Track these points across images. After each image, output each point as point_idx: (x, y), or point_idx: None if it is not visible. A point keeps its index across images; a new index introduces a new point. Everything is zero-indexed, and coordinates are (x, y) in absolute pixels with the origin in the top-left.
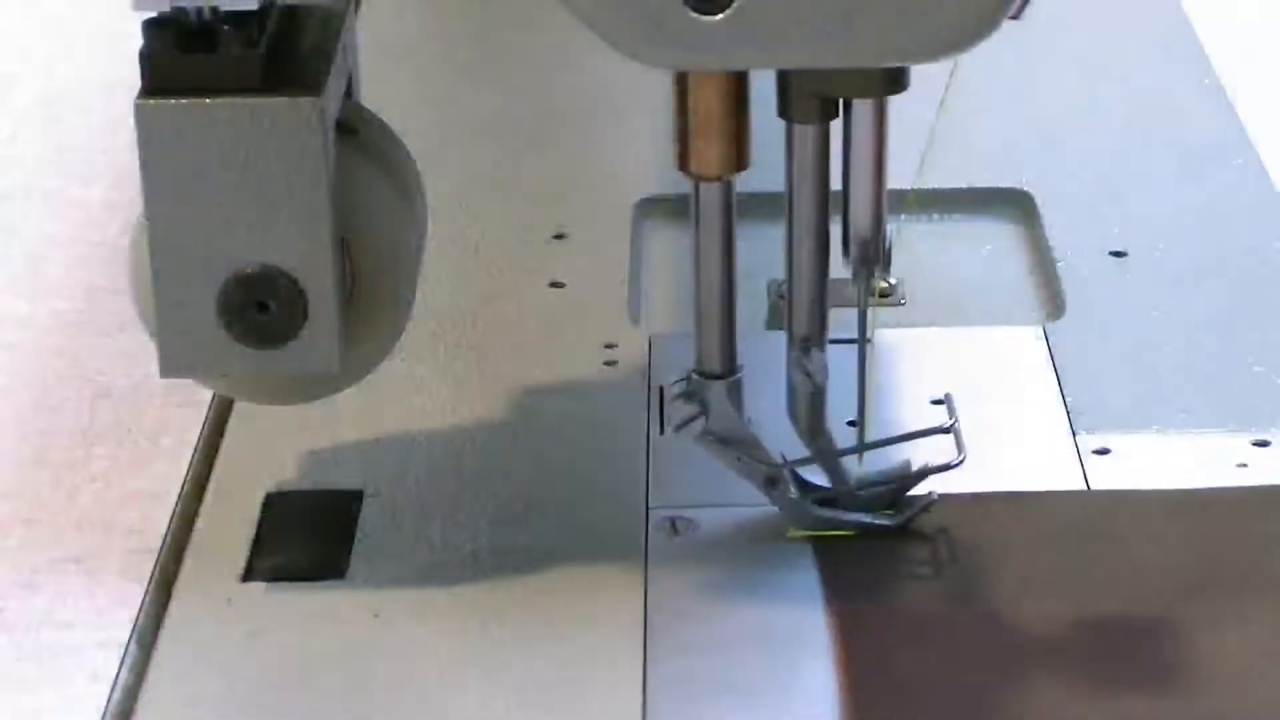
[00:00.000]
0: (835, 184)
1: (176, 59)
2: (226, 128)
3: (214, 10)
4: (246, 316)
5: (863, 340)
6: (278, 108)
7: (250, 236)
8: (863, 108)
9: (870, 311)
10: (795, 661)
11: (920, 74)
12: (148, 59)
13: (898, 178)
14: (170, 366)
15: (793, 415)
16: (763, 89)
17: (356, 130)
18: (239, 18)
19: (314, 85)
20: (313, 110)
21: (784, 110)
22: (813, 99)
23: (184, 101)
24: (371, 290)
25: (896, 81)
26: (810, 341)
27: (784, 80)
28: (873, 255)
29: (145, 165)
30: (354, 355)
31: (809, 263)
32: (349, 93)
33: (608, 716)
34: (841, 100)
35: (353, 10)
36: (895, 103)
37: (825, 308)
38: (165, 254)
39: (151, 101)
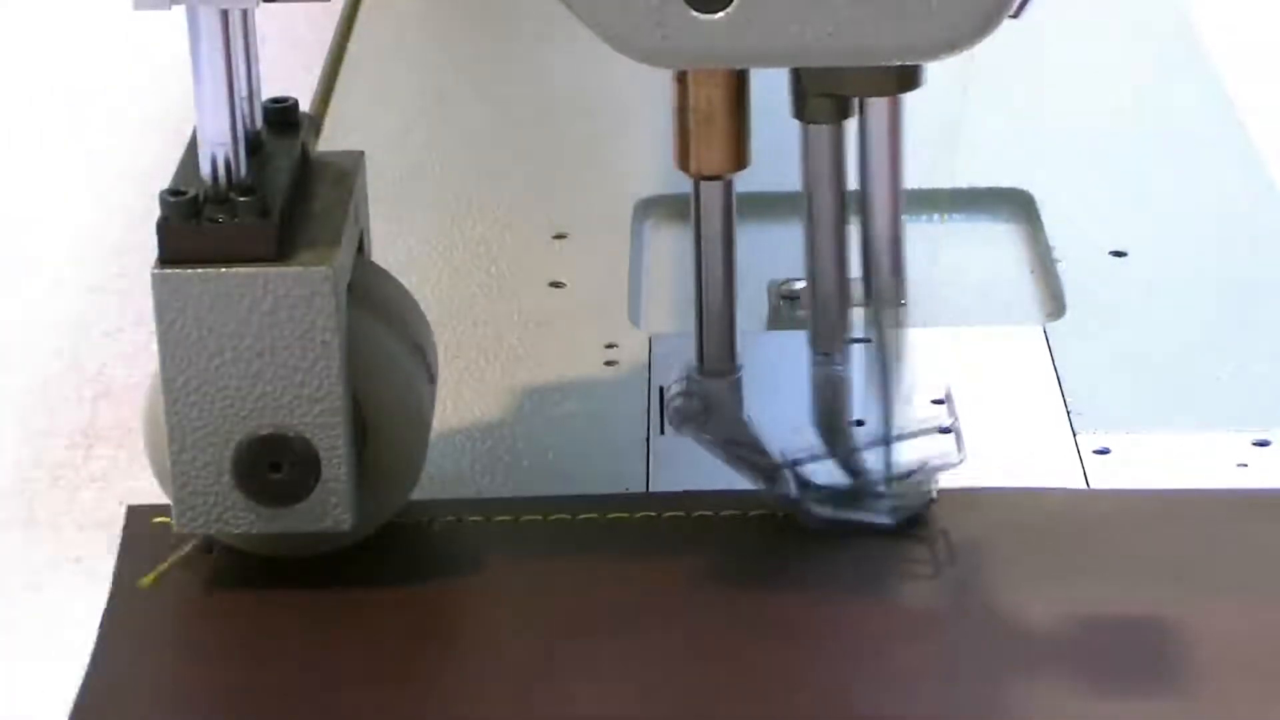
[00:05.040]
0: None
1: (192, 229)
2: (241, 296)
3: (228, 178)
4: (260, 476)
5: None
6: (291, 277)
7: (264, 400)
8: (877, 106)
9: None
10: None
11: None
12: (163, 229)
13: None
14: (186, 523)
15: (814, 419)
16: (764, 89)
17: (369, 291)
18: (252, 187)
19: (327, 254)
20: (325, 279)
21: (799, 112)
22: (826, 99)
23: (199, 271)
24: (384, 445)
25: (909, 79)
26: (834, 347)
27: (797, 81)
28: (892, 258)
29: (161, 331)
30: (367, 507)
31: (828, 264)
32: (360, 246)
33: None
34: (857, 100)
35: (363, 167)
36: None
37: (848, 308)
38: (181, 416)
39: (167, 271)
